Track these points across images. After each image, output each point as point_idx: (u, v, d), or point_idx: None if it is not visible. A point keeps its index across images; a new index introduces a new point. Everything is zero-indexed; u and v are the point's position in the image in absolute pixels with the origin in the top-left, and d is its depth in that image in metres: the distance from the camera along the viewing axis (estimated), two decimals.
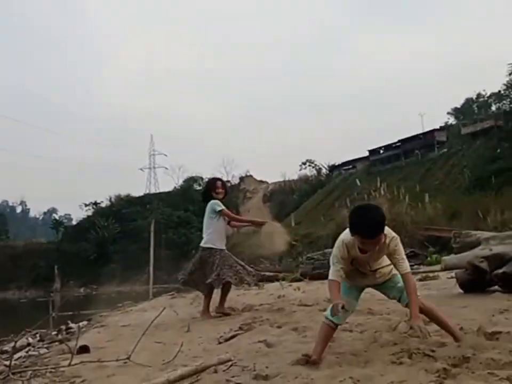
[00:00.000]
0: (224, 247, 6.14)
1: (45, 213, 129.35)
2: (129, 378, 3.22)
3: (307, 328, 4.12)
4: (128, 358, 3.67)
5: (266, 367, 2.88)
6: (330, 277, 3.06)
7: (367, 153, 63.17)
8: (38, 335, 6.74)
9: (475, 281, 5.62)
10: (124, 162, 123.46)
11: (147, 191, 74.98)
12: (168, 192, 71.38)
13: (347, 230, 3.08)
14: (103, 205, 71.10)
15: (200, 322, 5.56)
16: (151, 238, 13.31)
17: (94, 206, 70.62)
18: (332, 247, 3.25)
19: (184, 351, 3.84)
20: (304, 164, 74.13)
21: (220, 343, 4.11)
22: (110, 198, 71.74)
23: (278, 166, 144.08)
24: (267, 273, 15.79)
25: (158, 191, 74.25)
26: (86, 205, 70.82)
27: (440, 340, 3.14)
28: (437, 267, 9.67)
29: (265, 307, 5.98)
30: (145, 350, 4.12)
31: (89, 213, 69.84)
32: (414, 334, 2.96)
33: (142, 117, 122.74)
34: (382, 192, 19.37)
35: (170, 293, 11.99)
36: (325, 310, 5.20)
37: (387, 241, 2.97)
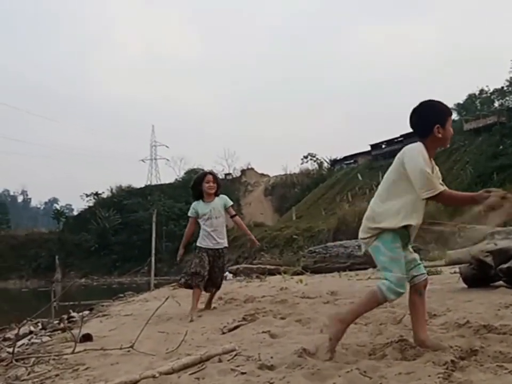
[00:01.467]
0: None
1: (46, 203, 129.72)
2: (133, 366, 3.21)
3: (311, 320, 4.10)
4: (131, 347, 3.66)
5: (271, 357, 2.86)
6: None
7: (369, 148, 63.07)
8: (39, 324, 6.74)
9: (479, 276, 5.60)
10: (125, 153, 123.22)
11: (148, 183, 75.16)
12: (170, 184, 71.43)
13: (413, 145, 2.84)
14: (104, 195, 71.25)
15: (203, 312, 5.55)
16: (153, 229, 13.28)
17: (95, 197, 70.70)
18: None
19: (188, 341, 3.83)
20: (305, 157, 74.12)
21: (223, 333, 4.10)
22: (111, 189, 71.90)
23: (279, 159, 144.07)
24: (268, 267, 15.79)
25: (159, 183, 74.37)
26: (87, 195, 70.96)
27: (446, 334, 3.13)
28: (439, 262, 9.65)
29: (268, 299, 5.96)
30: (149, 339, 4.11)
31: (90, 204, 70.04)
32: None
33: (144, 107, 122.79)
34: None
35: (172, 284, 11.99)
36: (328, 302, 5.22)
37: None
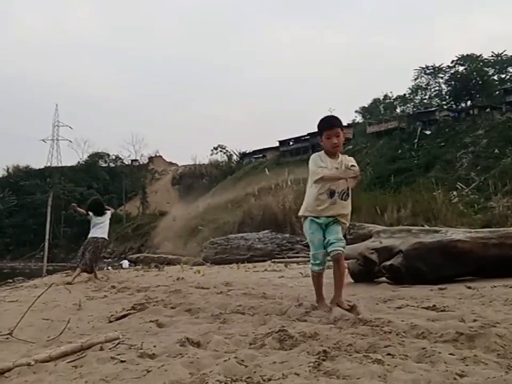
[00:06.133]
0: None
1: None
2: (8, 354, 3.07)
3: (200, 310, 4.14)
4: (10, 334, 3.51)
5: (154, 346, 2.86)
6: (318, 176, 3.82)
7: (277, 144, 64.34)
8: None
9: (365, 272, 5.92)
10: (24, 132, 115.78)
11: (48, 164, 71.54)
12: (71, 167, 68.61)
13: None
14: None
15: (93, 301, 5.43)
16: (48, 212, 12.72)
17: None
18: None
19: (72, 329, 3.74)
20: (215, 148, 74.29)
21: (110, 321, 4.03)
22: (8, 169, 67.98)
23: (189, 149, 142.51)
24: (170, 256, 15.71)
25: (60, 165, 71.07)
26: None
27: (325, 325, 3.29)
28: None
29: (162, 288, 5.93)
30: (31, 326, 3.97)
31: None
32: None
33: (48, 86, 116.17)
34: (289, 183, 19.79)
35: (66, 271, 11.57)
36: (221, 292, 5.29)
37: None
